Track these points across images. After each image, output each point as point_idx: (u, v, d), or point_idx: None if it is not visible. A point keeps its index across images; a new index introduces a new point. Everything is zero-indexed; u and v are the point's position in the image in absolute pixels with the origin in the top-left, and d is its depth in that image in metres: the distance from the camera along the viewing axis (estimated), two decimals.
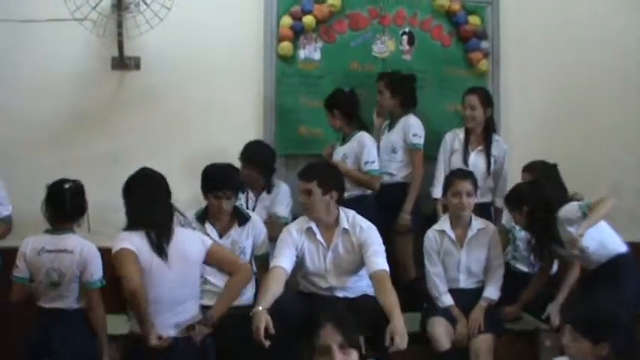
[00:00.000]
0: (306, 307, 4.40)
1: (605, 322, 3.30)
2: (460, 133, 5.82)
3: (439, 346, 4.72)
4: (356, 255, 4.62)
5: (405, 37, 6.22)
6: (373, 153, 5.62)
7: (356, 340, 2.93)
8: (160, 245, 4.05)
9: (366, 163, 5.56)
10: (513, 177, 5.62)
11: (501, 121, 6.30)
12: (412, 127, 5.74)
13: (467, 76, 6.27)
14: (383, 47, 6.19)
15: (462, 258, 4.99)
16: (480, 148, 5.78)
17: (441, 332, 4.75)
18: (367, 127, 5.79)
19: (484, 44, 6.27)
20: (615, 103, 6.43)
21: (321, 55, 6.13)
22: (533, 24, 6.34)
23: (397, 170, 5.78)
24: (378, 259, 4.46)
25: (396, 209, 5.69)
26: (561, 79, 6.37)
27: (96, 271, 4.27)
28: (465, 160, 5.73)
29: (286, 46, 6.02)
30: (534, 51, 6.34)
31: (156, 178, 4.32)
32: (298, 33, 6.05)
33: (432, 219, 5.48)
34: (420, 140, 5.74)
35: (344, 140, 5.74)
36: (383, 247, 4.57)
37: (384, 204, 5.62)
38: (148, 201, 4.16)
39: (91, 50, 5.83)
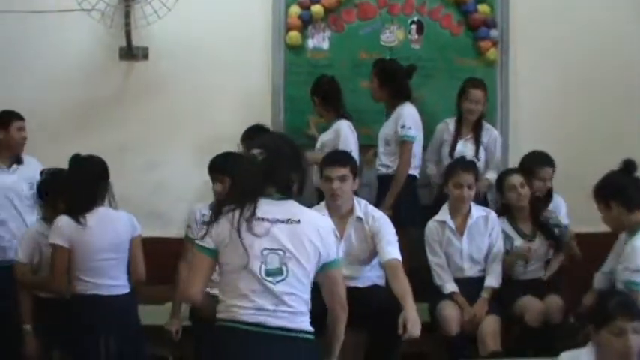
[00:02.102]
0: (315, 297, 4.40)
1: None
2: (451, 123, 5.78)
3: (449, 330, 4.73)
4: (368, 245, 4.59)
5: (413, 26, 6.19)
6: (350, 143, 5.51)
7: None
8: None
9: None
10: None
11: (510, 110, 6.29)
12: (402, 118, 5.59)
13: (476, 65, 6.25)
14: (392, 36, 6.16)
15: (464, 246, 5.01)
16: (468, 137, 5.76)
17: (452, 315, 4.77)
18: (348, 116, 5.69)
19: (493, 33, 6.23)
20: (625, 89, 6.38)
21: (330, 44, 6.12)
22: (542, 13, 6.29)
23: (392, 162, 5.64)
24: (391, 249, 4.42)
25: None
26: (571, 68, 6.32)
27: None
28: (452, 150, 5.69)
29: (295, 36, 6.01)
30: (543, 40, 6.29)
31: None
32: (307, 22, 6.04)
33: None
34: (409, 132, 5.55)
35: (324, 129, 5.71)
36: (396, 238, 4.53)
37: (382, 195, 5.52)
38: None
39: (99, 41, 5.84)
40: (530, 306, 4.86)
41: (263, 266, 3.06)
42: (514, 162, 5.97)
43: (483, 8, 6.21)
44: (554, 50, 6.30)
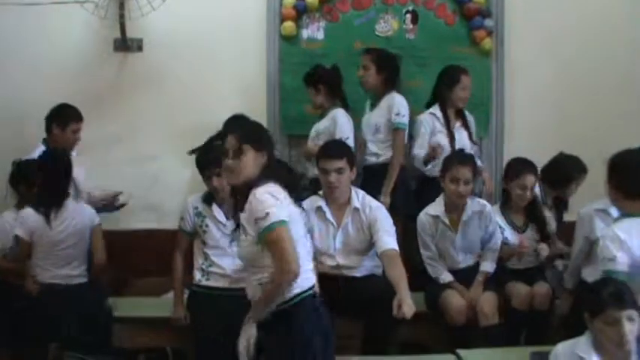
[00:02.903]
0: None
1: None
2: (437, 113, 5.72)
3: (456, 320, 4.73)
4: (365, 235, 4.61)
5: (408, 16, 6.17)
6: (346, 130, 5.50)
7: (250, 138, 3.35)
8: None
9: (339, 139, 5.36)
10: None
11: (505, 99, 6.29)
12: (396, 105, 5.59)
13: (471, 54, 6.23)
14: (386, 26, 6.15)
15: (457, 241, 4.96)
16: (458, 124, 5.76)
17: (459, 306, 4.76)
18: (348, 105, 5.70)
19: (488, 22, 6.21)
20: (621, 80, 6.37)
21: (325, 34, 6.11)
22: (537, 2, 6.28)
23: (382, 150, 5.64)
24: (388, 239, 4.43)
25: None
26: (566, 57, 6.31)
27: None
28: (452, 139, 5.65)
29: (289, 26, 6.00)
30: (538, 29, 6.28)
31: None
32: (301, 12, 6.03)
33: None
34: (403, 119, 5.57)
35: (320, 116, 5.69)
36: (393, 228, 4.55)
37: (369, 185, 5.34)
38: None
39: (93, 32, 5.83)
40: (518, 291, 4.89)
41: None
42: (510, 151, 6.02)
43: None
44: (549, 39, 6.29)
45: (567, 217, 5.48)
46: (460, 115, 5.79)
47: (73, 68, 5.87)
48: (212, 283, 4.57)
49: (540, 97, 6.31)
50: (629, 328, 3.26)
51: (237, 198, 3.47)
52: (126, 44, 5.87)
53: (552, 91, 6.32)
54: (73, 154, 5.27)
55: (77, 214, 4.67)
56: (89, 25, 5.75)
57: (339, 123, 5.50)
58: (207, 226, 4.60)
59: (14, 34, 5.77)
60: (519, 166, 5.11)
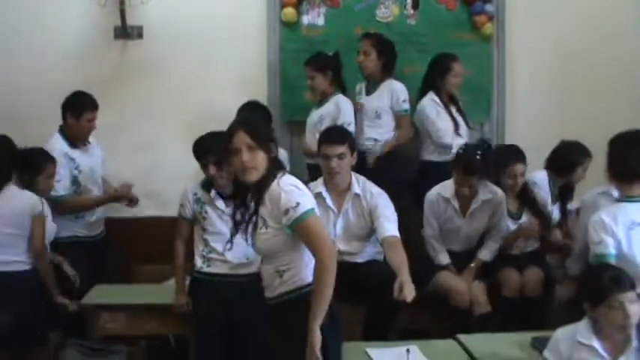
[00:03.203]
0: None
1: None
2: (436, 98, 5.71)
3: (462, 303, 4.79)
4: (366, 221, 4.63)
5: (409, 1, 6.13)
6: (350, 116, 5.55)
7: (264, 143, 3.30)
8: None
9: (342, 125, 5.40)
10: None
11: (507, 85, 6.27)
12: (401, 92, 5.66)
13: (472, 39, 6.21)
14: (387, 11, 6.13)
15: (463, 227, 5.01)
16: (454, 110, 5.76)
17: (463, 289, 4.80)
18: (346, 92, 5.72)
19: (489, 7, 6.18)
20: (624, 66, 6.34)
21: (325, 20, 6.09)
22: None
23: (381, 135, 5.67)
24: (390, 225, 4.45)
25: (379, 175, 5.33)
26: (568, 42, 6.27)
27: None
28: (456, 125, 5.66)
29: (290, 12, 5.98)
30: (540, 14, 6.25)
31: None
32: None
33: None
34: (407, 105, 5.68)
35: (320, 103, 5.69)
36: (395, 215, 4.56)
37: (366, 169, 5.32)
38: None
39: (94, 19, 5.82)
40: (508, 278, 4.91)
41: None
42: (511, 137, 6.04)
43: None
44: (550, 24, 6.25)
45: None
46: (453, 100, 5.79)
47: (73, 56, 5.86)
48: (213, 269, 4.58)
49: (541, 82, 6.28)
50: (634, 310, 3.27)
51: (242, 192, 3.43)
52: (126, 32, 5.86)
53: (553, 76, 6.29)
54: (91, 140, 5.36)
55: (15, 200, 4.56)
56: (89, 13, 5.74)
57: (342, 109, 5.54)
58: (206, 212, 4.60)
59: (14, 23, 5.77)
60: (508, 156, 5.15)
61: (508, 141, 5.92)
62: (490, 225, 5.03)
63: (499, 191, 5.05)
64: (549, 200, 5.34)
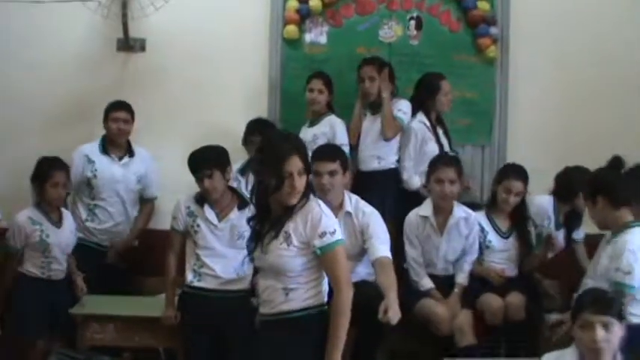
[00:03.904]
0: None
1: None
2: (425, 120, 5.70)
3: (443, 330, 4.75)
4: (357, 240, 4.60)
5: (412, 22, 6.15)
6: (345, 137, 5.54)
7: (309, 166, 3.42)
8: None
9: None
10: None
11: (509, 108, 6.25)
12: (400, 103, 5.64)
13: (475, 62, 6.20)
14: (390, 32, 6.13)
15: (442, 245, 5.00)
16: (441, 132, 5.75)
17: (445, 316, 4.77)
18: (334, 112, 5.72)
19: (493, 30, 6.17)
20: (628, 87, 6.30)
21: (328, 39, 6.10)
22: (542, 10, 6.22)
23: (386, 154, 5.65)
24: (382, 246, 4.43)
25: (384, 195, 5.49)
26: (571, 66, 6.25)
27: None
28: (441, 147, 5.64)
29: (292, 30, 5.99)
30: (544, 37, 6.23)
31: None
32: (304, 16, 6.02)
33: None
34: (403, 116, 5.60)
35: (312, 122, 5.68)
36: (387, 235, 4.55)
37: (370, 189, 5.38)
38: None
39: (96, 31, 5.87)
40: (490, 304, 4.87)
41: None
42: (512, 160, 5.90)
43: (483, 5, 6.15)
44: (554, 47, 6.23)
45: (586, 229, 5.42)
46: (440, 121, 5.78)
47: (76, 68, 5.91)
48: (203, 284, 4.58)
49: (545, 105, 6.25)
50: (602, 335, 3.23)
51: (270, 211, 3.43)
52: (129, 44, 5.90)
53: (557, 99, 6.26)
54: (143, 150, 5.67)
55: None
56: (92, 25, 5.79)
57: (337, 130, 5.55)
58: (198, 226, 4.61)
59: (17, 33, 5.83)
60: (508, 170, 5.21)
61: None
62: (466, 245, 5.02)
63: (473, 213, 5.08)
64: (552, 226, 5.31)
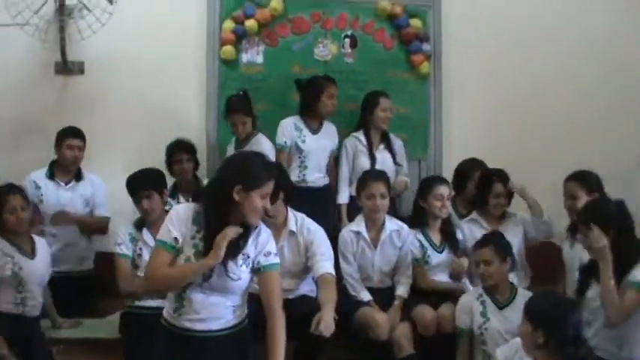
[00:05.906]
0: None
1: (548, 313, 3.51)
2: (360, 136, 5.86)
3: (381, 335, 4.80)
4: (301, 257, 4.64)
5: (347, 40, 6.28)
6: (272, 156, 5.49)
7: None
8: None
9: None
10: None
11: (443, 122, 6.44)
12: (335, 132, 5.96)
13: (409, 78, 6.38)
14: (325, 50, 6.25)
15: (376, 259, 5.08)
16: (381, 146, 5.89)
17: (383, 321, 4.82)
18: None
19: (426, 46, 6.35)
20: (556, 104, 6.53)
21: (264, 58, 6.18)
22: (474, 27, 6.43)
23: (325, 173, 5.94)
24: (325, 263, 4.47)
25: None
26: (502, 81, 6.47)
27: None
28: (373, 161, 5.79)
29: (228, 50, 6.06)
30: (475, 53, 6.44)
31: None
32: (241, 37, 6.10)
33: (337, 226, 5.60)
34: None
35: (239, 142, 5.70)
36: (331, 252, 4.59)
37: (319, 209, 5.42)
38: None
39: (34, 55, 5.87)
40: (422, 316, 4.92)
41: None
42: (448, 173, 6.06)
43: (415, 22, 6.33)
44: (485, 63, 6.45)
45: None
46: (384, 138, 5.91)
47: (14, 91, 5.90)
48: (145, 303, 4.60)
49: (477, 118, 6.46)
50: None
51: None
52: (67, 67, 5.92)
53: (489, 113, 6.48)
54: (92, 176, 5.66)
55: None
56: (30, 49, 5.78)
57: (265, 149, 5.42)
58: (140, 249, 4.66)
59: None
60: (430, 180, 5.41)
61: (446, 175, 6.00)
62: (399, 259, 5.11)
63: (405, 226, 5.17)
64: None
